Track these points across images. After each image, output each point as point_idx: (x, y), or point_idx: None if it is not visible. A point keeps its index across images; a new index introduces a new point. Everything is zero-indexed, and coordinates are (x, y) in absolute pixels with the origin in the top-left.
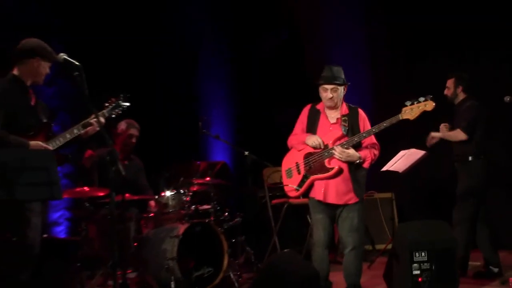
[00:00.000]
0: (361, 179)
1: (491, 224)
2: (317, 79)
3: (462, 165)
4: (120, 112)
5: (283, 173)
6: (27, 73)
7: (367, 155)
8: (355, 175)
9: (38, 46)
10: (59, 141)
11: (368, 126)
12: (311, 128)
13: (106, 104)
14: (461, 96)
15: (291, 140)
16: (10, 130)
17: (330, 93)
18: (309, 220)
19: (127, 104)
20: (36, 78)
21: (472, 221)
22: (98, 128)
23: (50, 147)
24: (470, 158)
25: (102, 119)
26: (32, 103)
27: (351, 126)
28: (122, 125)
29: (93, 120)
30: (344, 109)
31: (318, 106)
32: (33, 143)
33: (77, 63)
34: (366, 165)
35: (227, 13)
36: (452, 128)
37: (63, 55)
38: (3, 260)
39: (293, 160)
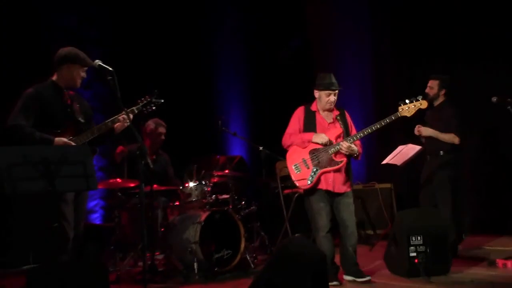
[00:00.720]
0: (351, 170)
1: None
2: (320, 85)
3: (434, 158)
4: (154, 108)
5: (291, 169)
6: (61, 78)
7: (360, 150)
8: (349, 167)
9: (69, 53)
10: (86, 136)
11: (353, 124)
12: (309, 127)
13: (138, 101)
14: (441, 98)
15: (289, 139)
16: (42, 128)
17: (332, 97)
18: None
19: (161, 100)
20: (69, 82)
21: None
22: (127, 124)
23: (73, 143)
24: (441, 153)
25: (131, 116)
26: (68, 103)
27: (344, 124)
28: (151, 125)
29: (121, 116)
30: (335, 110)
31: (312, 108)
32: (57, 139)
33: (110, 68)
34: (359, 158)
35: (246, 19)
36: (430, 126)
37: (98, 62)
38: (44, 245)
39: (298, 157)
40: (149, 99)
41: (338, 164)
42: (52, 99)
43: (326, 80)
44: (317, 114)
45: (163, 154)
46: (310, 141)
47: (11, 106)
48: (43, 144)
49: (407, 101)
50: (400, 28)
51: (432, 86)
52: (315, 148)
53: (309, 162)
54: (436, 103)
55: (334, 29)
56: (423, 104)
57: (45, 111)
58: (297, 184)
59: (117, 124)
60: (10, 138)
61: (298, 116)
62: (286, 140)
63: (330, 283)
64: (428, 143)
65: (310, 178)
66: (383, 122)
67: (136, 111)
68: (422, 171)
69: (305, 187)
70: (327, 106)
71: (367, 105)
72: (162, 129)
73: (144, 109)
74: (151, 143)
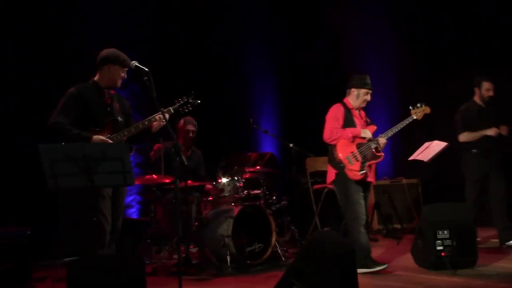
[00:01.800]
0: None
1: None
2: (361, 84)
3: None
4: (191, 108)
5: (345, 160)
6: (102, 78)
7: None
8: None
9: (110, 54)
10: (123, 134)
11: None
12: (350, 124)
13: (176, 101)
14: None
15: (336, 133)
16: (82, 126)
17: (369, 96)
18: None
19: (198, 101)
20: (110, 82)
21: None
22: (163, 123)
23: (110, 141)
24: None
25: (167, 115)
26: (108, 102)
27: (370, 122)
28: (181, 122)
29: (158, 116)
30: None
31: (349, 105)
32: (95, 137)
33: (146, 69)
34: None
35: (275, 22)
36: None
37: (135, 62)
38: (82, 238)
39: (348, 150)
40: (186, 100)
41: (379, 158)
42: (93, 98)
43: (366, 80)
44: (353, 111)
45: (197, 150)
46: (358, 136)
47: (53, 106)
48: (81, 141)
49: (418, 105)
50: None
51: (489, 88)
52: (361, 142)
53: (358, 155)
54: (485, 103)
55: (358, 31)
56: (427, 110)
57: (85, 110)
58: (350, 174)
59: (154, 123)
60: (51, 136)
61: (339, 113)
62: (332, 134)
63: (375, 268)
64: (490, 140)
65: (362, 170)
66: (402, 125)
67: (172, 111)
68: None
69: (357, 178)
70: (363, 104)
71: (392, 105)
72: (190, 127)
73: (181, 109)
74: (182, 140)
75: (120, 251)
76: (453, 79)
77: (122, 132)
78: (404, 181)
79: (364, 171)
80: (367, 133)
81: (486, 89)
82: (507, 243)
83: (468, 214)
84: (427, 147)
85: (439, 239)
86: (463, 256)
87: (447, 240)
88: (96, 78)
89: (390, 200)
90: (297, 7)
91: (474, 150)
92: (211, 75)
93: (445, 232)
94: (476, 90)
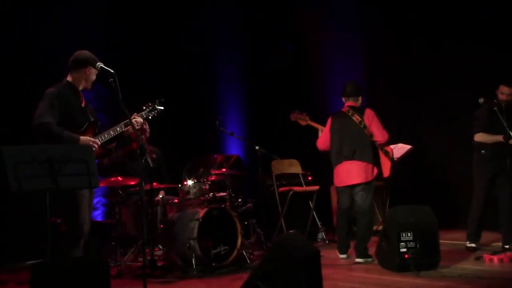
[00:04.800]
0: None
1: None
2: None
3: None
4: (156, 115)
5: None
6: (80, 80)
7: None
8: None
9: (90, 57)
10: (104, 137)
11: None
12: None
13: (144, 107)
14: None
15: None
16: (65, 127)
17: None
18: (311, 205)
19: (162, 108)
20: (86, 84)
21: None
22: (139, 127)
23: (98, 141)
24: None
25: (140, 119)
26: (83, 105)
27: None
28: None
29: (134, 120)
30: None
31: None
32: (83, 138)
33: (111, 71)
34: None
35: (243, 24)
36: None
37: (100, 64)
38: (59, 239)
39: None
40: (153, 106)
41: None
42: (72, 100)
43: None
44: None
45: (155, 149)
46: None
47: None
48: (70, 142)
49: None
50: (390, 30)
51: (504, 92)
52: None
53: None
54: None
55: (325, 32)
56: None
57: (67, 111)
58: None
59: (129, 127)
60: (38, 136)
61: None
62: None
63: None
64: (505, 145)
65: None
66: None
67: (144, 116)
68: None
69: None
70: None
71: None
72: (146, 127)
73: (150, 115)
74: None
75: (85, 253)
76: (423, 85)
77: (103, 135)
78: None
79: None
80: None
81: (500, 92)
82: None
83: (432, 217)
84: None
85: (403, 241)
86: (426, 257)
87: (411, 242)
88: (70, 79)
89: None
90: (264, 9)
91: (483, 151)
92: (176, 76)
93: (409, 234)
94: (497, 94)
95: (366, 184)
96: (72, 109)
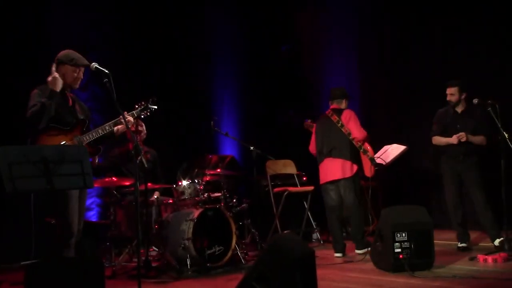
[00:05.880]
0: None
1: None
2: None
3: (466, 159)
4: (149, 113)
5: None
6: (61, 78)
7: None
8: None
9: (65, 55)
10: (92, 136)
11: None
12: None
13: (136, 106)
14: (464, 102)
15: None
16: (51, 125)
17: None
18: (306, 205)
19: (155, 107)
20: (68, 82)
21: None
22: (129, 125)
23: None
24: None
25: (131, 118)
26: (70, 103)
27: None
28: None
29: (122, 119)
30: None
31: None
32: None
33: (106, 71)
34: None
35: (239, 25)
36: (460, 130)
37: (95, 64)
38: (49, 240)
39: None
40: (145, 105)
41: None
42: (57, 99)
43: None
44: None
45: (151, 150)
46: None
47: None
48: (51, 100)
49: None
50: (386, 33)
51: (453, 92)
52: None
53: None
54: (460, 108)
55: (323, 33)
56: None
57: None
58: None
59: (120, 126)
60: (34, 124)
61: None
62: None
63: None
64: (461, 146)
65: None
66: None
67: (136, 115)
68: (444, 170)
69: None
70: None
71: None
72: (142, 128)
73: (142, 113)
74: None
75: (80, 253)
76: (419, 85)
77: (91, 133)
78: (364, 184)
79: None
80: None
81: (449, 94)
82: (498, 240)
83: (426, 217)
84: (386, 151)
85: (398, 242)
86: (420, 258)
87: (405, 243)
88: None
89: None
90: (263, 8)
91: (444, 154)
92: (172, 77)
93: (403, 234)
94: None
95: (346, 180)
96: (58, 108)
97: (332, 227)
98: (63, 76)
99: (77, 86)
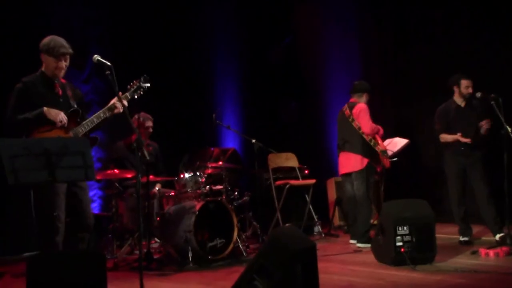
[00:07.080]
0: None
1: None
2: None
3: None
4: (142, 93)
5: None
6: (46, 68)
7: None
8: None
9: (44, 43)
10: (88, 126)
11: None
12: None
13: (128, 87)
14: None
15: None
16: (39, 120)
17: None
18: (307, 199)
19: (148, 85)
20: (50, 71)
21: None
22: (121, 110)
23: (65, 116)
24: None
25: (125, 102)
26: (60, 93)
27: None
28: (139, 120)
29: (117, 103)
30: None
31: None
32: (46, 109)
33: (108, 63)
34: None
35: (240, 17)
36: (467, 124)
37: (97, 57)
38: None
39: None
40: (138, 84)
41: None
42: (42, 90)
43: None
44: None
45: (153, 143)
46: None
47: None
48: (38, 118)
49: None
50: (386, 25)
51: (468, 85)
52: None
53: None
54: (465, 102)
55: (321, 29)
56: None
57: (36, 103)
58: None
59: (115, 111)
60: (11, 133)
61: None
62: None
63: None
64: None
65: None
66: None
67: (129, 97)
68: (449, 165)
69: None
70: None
71: None
72: (149, 123)
73: (136, 94)
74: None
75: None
76: (420, 80)
77: (86, 123)
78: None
79: None
80: None
81: (465, 86)
82: (499, 235)
83: (428, 210)
84: (388, 144)
85: (399, 235)
86: (422, 251)
87: (407, 236)
88: (43, 69)
89: None
90: (263, 3)
91: (449, 150)
92: (174, 70)
93: (405, 228)
94: (455, 89)
95: (357, 173)
96: (43, 100)
97: (348, 215)
98: (47, 65)
99: (60, 75)
